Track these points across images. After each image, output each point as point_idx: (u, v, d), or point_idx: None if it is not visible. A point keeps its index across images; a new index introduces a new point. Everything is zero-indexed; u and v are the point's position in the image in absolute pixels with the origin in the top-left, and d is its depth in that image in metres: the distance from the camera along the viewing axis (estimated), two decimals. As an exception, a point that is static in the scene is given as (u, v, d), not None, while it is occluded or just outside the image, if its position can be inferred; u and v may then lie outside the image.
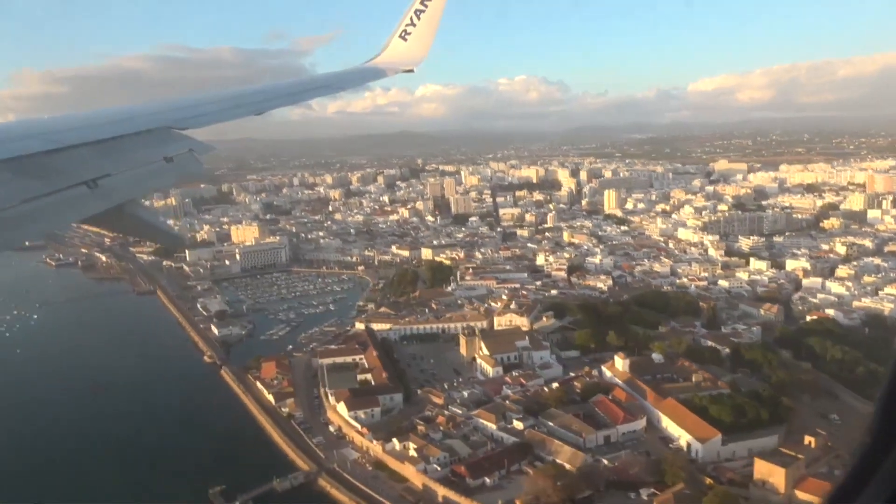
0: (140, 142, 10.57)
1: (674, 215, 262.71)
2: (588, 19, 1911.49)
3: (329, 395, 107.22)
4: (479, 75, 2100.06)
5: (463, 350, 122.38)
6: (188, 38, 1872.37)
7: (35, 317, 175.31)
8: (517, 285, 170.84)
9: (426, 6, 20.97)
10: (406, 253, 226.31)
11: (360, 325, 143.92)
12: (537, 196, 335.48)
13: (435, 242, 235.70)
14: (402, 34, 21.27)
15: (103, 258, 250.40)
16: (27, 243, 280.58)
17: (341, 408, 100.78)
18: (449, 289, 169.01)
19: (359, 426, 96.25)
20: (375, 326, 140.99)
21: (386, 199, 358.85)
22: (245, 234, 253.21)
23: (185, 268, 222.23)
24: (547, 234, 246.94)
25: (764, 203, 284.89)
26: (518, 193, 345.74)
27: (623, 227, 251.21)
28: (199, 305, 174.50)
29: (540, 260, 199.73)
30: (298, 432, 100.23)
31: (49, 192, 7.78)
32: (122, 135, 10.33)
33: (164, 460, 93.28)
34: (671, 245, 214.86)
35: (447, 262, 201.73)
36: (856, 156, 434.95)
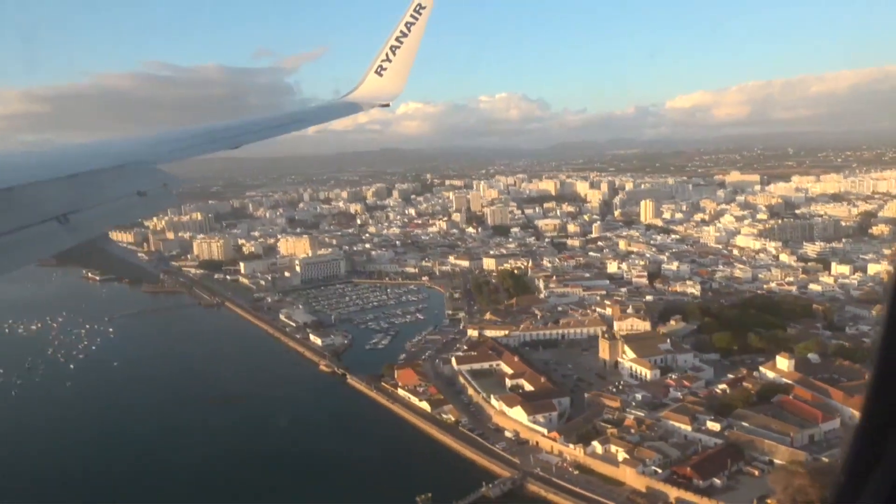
0: (113, 176, 10.56)
1: (718, 224, 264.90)
2: (566, 37, 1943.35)
3: (490, 400, 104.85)
4: (460, 93, 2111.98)
5: (604, 354, 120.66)
6: (177, 55, 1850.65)
7: (111, 330, 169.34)
8: (604, 292, 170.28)
9: (401, 42, 20.99)
10: (465, 263, 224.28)
11: (471, 332, 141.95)
12: (567, 207, 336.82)
13: (492, 252, 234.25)
14: (378, 69, 21.30)
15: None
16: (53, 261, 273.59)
17: (516, 412, 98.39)
18: (542, 296, 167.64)
19: (544, 430, 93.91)
20: (489, 333, 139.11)
21: (412, 212, 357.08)
22: (295, 247, 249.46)
23: (244, 280, 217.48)
24: (599, 242, 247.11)
25: (797, 212, 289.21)
26: (546, 205, 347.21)
27: (675, 236, 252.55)
28: (282, 316, 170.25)
29: (612, 268, 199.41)
30: (473, 438, 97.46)
31: (18, 227, 7.64)
32: (96, 169, 10.26)
33: (344, 472, 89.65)
34: (735, 252, 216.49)
35: (515, 272, 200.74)
36: (846, 168, 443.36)
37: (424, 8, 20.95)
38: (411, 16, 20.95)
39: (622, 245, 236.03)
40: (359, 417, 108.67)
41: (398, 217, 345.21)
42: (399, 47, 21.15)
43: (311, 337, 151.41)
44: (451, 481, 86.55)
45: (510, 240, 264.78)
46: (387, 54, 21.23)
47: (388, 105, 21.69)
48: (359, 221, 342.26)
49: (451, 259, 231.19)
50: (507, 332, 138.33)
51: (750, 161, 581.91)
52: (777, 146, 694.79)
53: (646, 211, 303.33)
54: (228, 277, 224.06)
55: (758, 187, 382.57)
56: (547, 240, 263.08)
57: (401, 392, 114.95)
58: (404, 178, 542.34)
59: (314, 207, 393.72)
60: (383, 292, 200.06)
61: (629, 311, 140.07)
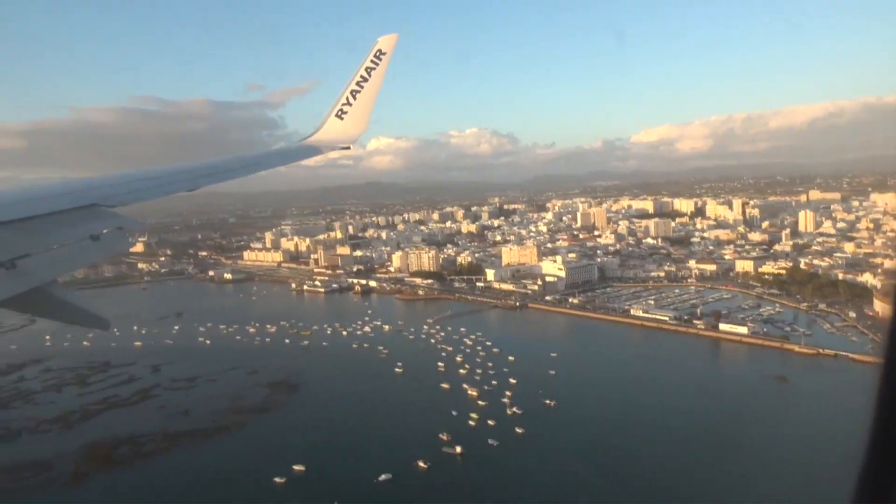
0: (64, 220, 10.27)
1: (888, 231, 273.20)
2: (534, 71, 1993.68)
3: None
4: (430, 128, 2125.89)
5: None
6: (173, 89, 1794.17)
7: (462, 329, 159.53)
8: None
9: (362, 87, 21.52)
10: (712, 267, 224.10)
11: None
12: (705, 222, 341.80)
13: (735, 257, 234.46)
14: (339, 113, 21.77)
15: (373, 284, 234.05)
16: (228, 276, 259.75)
17: None
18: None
19: None
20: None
21: (541, 228, 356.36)
22: (518, 256, 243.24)
23: (502, 286, 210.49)
24: (815, 247, 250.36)
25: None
26: (679, 220, 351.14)
27: (879, 241, 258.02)
28: (638, 311, 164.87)
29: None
30: None
31: None
32: (45, 213, 9.99)
33: None
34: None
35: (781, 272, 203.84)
36: (862, 193, 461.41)
37: (385, 54, 21.16)
38: (372, 61, 21.14)
39: (849, 248, 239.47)
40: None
41: (530, 234, 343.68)
42: (360, 91, 21.35)
43: (721, 326, 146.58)
44: None
45: (709, 247, 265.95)
46: (347, 98, 21.42)
47: (348, 148, 21.76)
48: (498, 237, 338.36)
49: (693, 263, 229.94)
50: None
51: (763, 188, 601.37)
52: (762, 175, 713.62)
53: (805, 222, 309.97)
54: (480, 284, 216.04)
55: (856, 202, 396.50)
56: (747, 247, 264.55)
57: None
58: (416, 207, 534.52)
59: (414, 228, 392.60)
60: (671, 294, 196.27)
61: None
